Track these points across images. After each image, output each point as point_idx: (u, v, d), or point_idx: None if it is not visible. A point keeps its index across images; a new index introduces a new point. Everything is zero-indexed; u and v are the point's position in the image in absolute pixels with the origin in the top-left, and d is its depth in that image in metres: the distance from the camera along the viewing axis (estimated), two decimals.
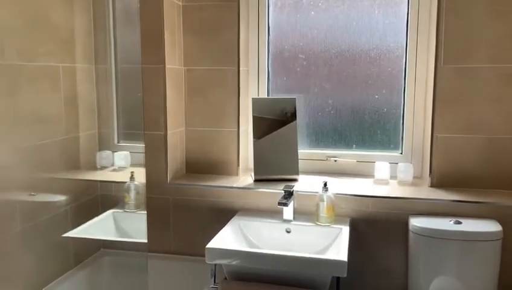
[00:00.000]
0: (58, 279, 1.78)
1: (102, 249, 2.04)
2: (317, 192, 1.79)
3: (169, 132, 1.96)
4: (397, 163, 1.97)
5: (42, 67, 1.68)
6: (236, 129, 2.02)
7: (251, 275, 1.55)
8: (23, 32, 1.58)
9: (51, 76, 1.74)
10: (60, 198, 1.89)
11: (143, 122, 1.92)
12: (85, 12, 2.01)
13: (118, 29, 2.14)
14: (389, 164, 1.96)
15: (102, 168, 2.17)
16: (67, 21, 1.88)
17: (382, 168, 1.95)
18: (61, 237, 1.81)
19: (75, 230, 1.83)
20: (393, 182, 1.95)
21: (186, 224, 1.98)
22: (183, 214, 1.98)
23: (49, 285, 1.73)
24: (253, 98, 2.02)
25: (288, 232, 1.77)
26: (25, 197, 1.69)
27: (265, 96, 2.13)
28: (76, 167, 2.04)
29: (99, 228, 1.96)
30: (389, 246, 1.80)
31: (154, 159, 1.96)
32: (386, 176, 1.95)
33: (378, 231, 1.80)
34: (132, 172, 2.01)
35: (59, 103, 1.81)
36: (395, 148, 2.06)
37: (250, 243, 1.74)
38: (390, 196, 1.77)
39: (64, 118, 1.84)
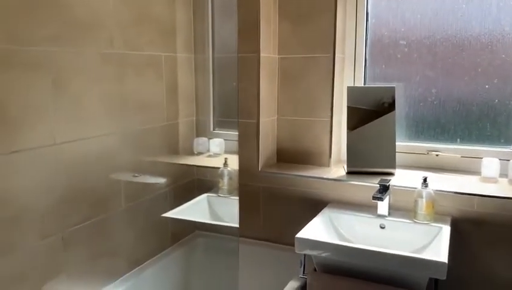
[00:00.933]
0: (157, 256, 1.90)
1: (197, 231, 2.13)
2: (415, 188, 1.69)
3: (261, 120, 1.97)
4: (508, 160, 1.78)
5: (146, 57, 1.78)
6: (329, 119, 1.98)
7: (342, 269, 1.52)
8: (128, 23, 1.69)
9: (154, 65, 1.84)
10: (160, 180, 2.01)
11: (237, 110, 1.95)
12: (186, 3, 2.09)
13: (215, 19, 2.20)
14: (498, 161, 1.78)
15: (199, 153, 2.26)
16: (170, 12, 1.97)
17: (491, 165, 1.77)
18: (160, 216, 1.93)
19: (173, 211, 1.93)
20: (504, 180, 1.76)
21: (275, 212, 2.00)
22: (273, 202, 1.99)
23: (148, 261, 1.85)
24: (348, 87, 1.95)
25: (382, 228, 1.69)
26: (129, 178, 1.81)
27: (362, 84, 2.05)
28: (175, 152, 2.14)
29: (195, 210, 2.05)
30: (496, 252, 1.63)
31: (246, 146, 2.00)
32: (495, 174, 1.77)
33: (484, 234, 1.64)
34: (226, 158, 2.06)
35: (161, 90, 1.90)
36: (506, 143, 1.86)
37: (341, 236, 1.70)
38: (500, 195, 1.60)
39: (166, 105, 1.94)
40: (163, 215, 1.90)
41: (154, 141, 1.94)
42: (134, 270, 1.79)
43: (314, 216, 1.72)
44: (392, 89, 1.91)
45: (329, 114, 1.97)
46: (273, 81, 2.03)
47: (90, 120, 1.54)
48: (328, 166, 2.00)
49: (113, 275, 1.71)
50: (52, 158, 1.40)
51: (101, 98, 1.57)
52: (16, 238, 1.30)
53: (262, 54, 1.91)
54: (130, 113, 1.72)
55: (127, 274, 1.75)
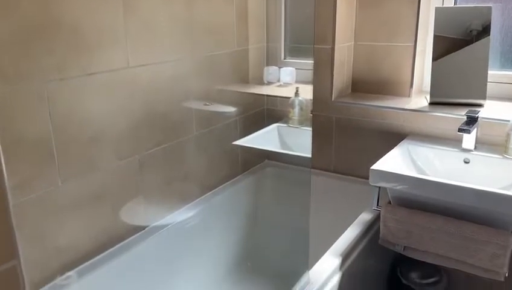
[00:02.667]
0: (227, 183, 1.93)
1: (267, 161, 2.13)
2: (508, 120, 1.52)
3: (336, 46, 1.84)
4: None
5: None
6: (412, 44, 1.80)
7: (418, 203, 1.43)
8: None
9: None
10: (230, 109, 1.99)
11: (313, 34, 1.84)
12: None
13: None
14: None
15: (269, 83, 2.19)
16: None
17: None
18: (231, 144, 1.93)
19: (243, 139, 1.92)
20: None
21: (349, 144, 1.92)
22: (347, 134, 1.91)
23: (219, 187, 1.88)
24: (437, 8, 1.74)
25: (466, 162, 1.56)
26: (200, 106, 1.81)
27: (452, 5, 1.82)
28: (245, 80, 2.09)
29: (265, 139, 2.03)
30: None
31: (320, 74, 1.89)
32: None
33: None
34: (297, 88, 1.98)
35: (231, 15, 1.83)
36: None
37: (419, 170, 1.59)
38: None
39: (236, 30, 1.86)
40: (234, 143, 1.89)
41: (224, 69, 1.89)
42: (206, 195, 1.84)
43: (391, 149, 1.63)
44: (488, 9, 1.67)
45: (413, 39, 1.79)
46: (351, 4, 1.87)
47: (160, 44, 1.52)
48: (409, 96, 1.85)
49: (186, 199, 1.76)
50: (126, 82, 1.41)
51: (170, 21, 1.53)
52: (94, 158, 1.35)
53: None
54: (200, 37, 1.68)
55: (199, 199, 1.80)
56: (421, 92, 1.93)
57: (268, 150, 1.98)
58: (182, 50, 1.62)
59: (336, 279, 1.33)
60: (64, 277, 1.34)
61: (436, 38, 1.73)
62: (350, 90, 1.99)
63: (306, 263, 1.26)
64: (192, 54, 1.67)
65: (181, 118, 1.68)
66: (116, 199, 1.45)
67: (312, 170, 1.98)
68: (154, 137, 1.55)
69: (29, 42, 1.13)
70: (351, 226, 1.54)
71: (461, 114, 1.58)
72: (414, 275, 1.75)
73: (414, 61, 1.81)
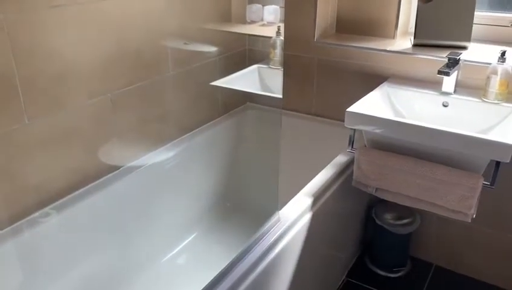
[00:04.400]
0: (207, 124, 1.90)
1: (248, 103, 2.10)
2: (490, 63, 1.48)
3: None
4: None
5: None
6: None
7: (394, 147, 1.43)
8: None
9: None
10: (210, 49, 1.93)
11: None
12: None
13: None
14: None
15: (252, 22, 2.11)
16: None
17: None
18: (210, 85, 1.88)
19: (222, 79, 1.88)
20: None
21: (329, 86, 1.88)
22: (328, 75, 1.87)
23: (198, 128, 1.86)
24: None
25: (445, 106, 1.54)
26: (178, 45, 1.75)
27: None
28: (227, 19, 2.02)
29: (245, 81, 1.98)
30: None
31: (300, 13, 1.82)
32: None
33: None
34: (279, 27, 1.91)
35: None
36: None
37: (397, 113, 1.58)
38: None
39: None
40: (213, 83, 1.85)
41: (204, 6, 1.81)
42: (185, 136, 1.82)
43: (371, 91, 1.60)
44: None
45: None
46: None
47: None
48: (393, 38, 1.80)
49: (164, 139, 1.74)
50: (95, 16, 1.35)
51: None
52: (63, 96, 1.32)
53: None
54: None
55: (177, 140, 1.78)
56: (406, 33, 1.87)
57: (245, 91, 1.94)
58: None
59: (306, 218, 1.35)
60: (42, 212, 1.34)
61: None
62: (334, 30, 1.93)
63: (276, 202, 1.27)
64: None
65: (157, 56, 1.63)
66: (88, 138, 1.43)
67: (292, 112, 1.96)
68: (127, 75, 1.51)
69: None
70: (325, 168, 1.54)
71: (443, 56, 1.54)
72: (388, 216, 1.78)
73: (400, 1, 1.74)
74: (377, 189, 1.47)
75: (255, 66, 1.97)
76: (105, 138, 1.50)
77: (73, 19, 1.29)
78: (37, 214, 1.32)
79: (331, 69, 1.85)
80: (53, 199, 1.37)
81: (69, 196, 1.40)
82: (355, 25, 1.87)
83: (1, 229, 1.24)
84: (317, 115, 1.94)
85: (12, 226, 1.26)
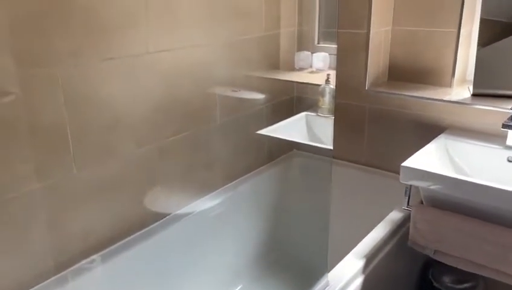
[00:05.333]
0: (252, 172, 1.86)
1: (294, 150, 2.05)
2: None
3: (373, 31, 1.72)
4: None
5: None
6: (455, 30, 1.65)
7: (454, 206, 1.32)
8: None
9: None
10: (258, 96, 1.91)
11: (338, 17, 1.72)
12: None
13: None
14: None
15: (300, 69, 2.09)
16: None
17: None
18: (256, 133, 1.86)
19: (270, 128, 1.84)
20: None
21: (381, 136, 1.80)
22: (380, 125, 1.79)
23: (243, 177, 1.83)
24: None
25: (510, 161, 1.42)
26: (226, 92, 1.75)
27: None
28: (275, 66, 2.01)
29: (292, 129, 1.94)
30: None
31: (351, 61, 1.78)
32: None
33: None
34: (328, 74, 1.88)
35: None
36: None
37: (457, 168, 1.47)
38: None
39: (264, 13, 1.77)
40: (260, 132, 1.82)
41: (252, 54, 1.81)
42: (230, 184, 1.78)
43: (427, 143, 1.51)
44: None
45: (457, 23, 1.63)
46: None
47: (183, 28, 1.45)
48: (450, 86, 1.71)
49: (209, 187, 1.71)
50: (146, 67, 1.37)
51: (194, 4, 1.47)
52: (112, 145, 1.32)
53: None
54: (226, 21, 1.60)
55: (223, 188, 1.75)
56: (464, 81, 1.78)
57: (293, 141, 1.89)
58: (207, 34, 1.55)
59: (357, 282, 1.25)
60: (89, 259, 1.34)
61: (483, 22, 1.57)
62: (387, 78, 1.87)
63: (325, 263, 1.19)
64: (217, 38, 1.60)
65: (205, 104, 1.62)
66: (135, 186, 1.42)
67: (341, 161, 1.88)
68: (175, 124, 1.51)
69: (42, 25, 1.09)
70: (378, 225, 1.44)
71: (507, 108, 1.44)
72: (447, 279, 1.63)
73: (457, 48, 1.66)
74: (435, 251, 1.35)
75: (302, 114, 1.93)
76: (152, 186, 1.49)
77: (125, 70, 1.31)
78: (83, 262, 1.31)
79: (383, 118, 1.77)
80: (99, 247, 1.35)
81: (115, 245, 1.38)
82: (409, 73, 1.80)
83: (48, 278, 1.23)
84: (369, 165, 1.85)
85: (58, 276, 1.25)
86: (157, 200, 1.53)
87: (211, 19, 1.54)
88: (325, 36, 2.11)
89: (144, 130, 1.41)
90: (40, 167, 1.16)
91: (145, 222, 1.48)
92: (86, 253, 1.32)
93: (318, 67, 2.04)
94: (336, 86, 1.82)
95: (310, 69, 2.09)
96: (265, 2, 1.75)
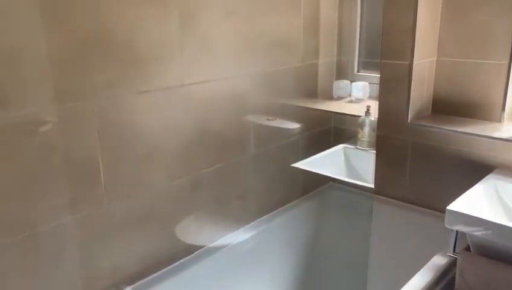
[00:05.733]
0: (287, 205, 1.81)
1: (331, 183, 1.97)
2: None
3: (416, 62, 1.64)
4: None
5: None
6: (506, 62, 1.55)
7: (506, 255, 1.20)
8: None
9: None
10: (294, 125, 1.87)
11: (381, 48, 1.66)
12: None
13: None
14: None
15: (339, 98, 2.04)
16: None
17: None
18: (291, 165, 1.80)
19: (306, 161, 1.79)
20: None
21: (425, 172, 1.70)
22: (424, 160, 1.69)
23: (277, 210, 1.77)
24: None
25: None
26: (261, 121, 1.71)
27: None
28: (312, 94, 1.97)
29: (329, 162, 1.87)
30: None
31: (393, 93, 1.70)
32: None
33: None
34: (368, 106, 1.81)
35: (298, 26, 1.70)
36: None
37: (508, 213, 1.35)
38: None
39: (303, 43, 1.74)
40: (295, 165, 1.77)
41: (289, 82, 1.78)
42: (264, 217, 1.74)
43: (475, 183, 1.40)
44: None
45: (508, 55, 1.53)
46: (435, 12, 1.65)
47: (218, 59, 1.44)
48: (500, 121, 1.60)
49: (243, 220, 1.67)
50: (180, 100, 1.35)
51: (230, 35, 1.45)
52: (144, 178, 1.31)
53: None
54: (262, 52, 1.58)
55: (256, 221, 1.71)
56: None
57: (330, 177, 1.82)
58: (243, 65, 1.53)
59: None
60: None
61: None
62: (430, 111, 1.77)
63: None
64: (253, 68, 1.58)
65: (239, 135, 1.60)
66: (166, 219, 1.40)
67: (380, 197, 1.79)
68: (208, 156, 1.48)
69: (79, 58, 1.10)
70: (420, 271, 1.34)
71: None
72: None
73: (508, 81, 1.56)
74: None
75: (340, 146, 1.86)
76: (184, 219, 1.47)
77: (159, 102, 1.30)
78: None
79: (427, 153, 1.68)
80: (129, 281, 1.34)
81: (146, 279, 1.36)
82: (454, 106, 1.70)
83: None
84: (411, 203, 1.75)
85: None
86: (189, 233, 1.50)
87: (247, 50, 1.53)
88: (365, 65, 2.06)
89: (177, 162, 1.39)
90: (72, 199, 1.15)
91: (177, 255, 1.45)
92: (116, 287, 1.30)
93: (357, 97, 1.98)
94: (377, 118, 1.74)
95: (348, 98, 2.03)
96: (304, 33, 1.72)
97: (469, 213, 1.21)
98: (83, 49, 1.10)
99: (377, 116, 1.80)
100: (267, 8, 1.56)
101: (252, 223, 1.69)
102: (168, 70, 1.30)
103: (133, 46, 1.20)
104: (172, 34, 1.28)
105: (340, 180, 1.78)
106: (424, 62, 1.68)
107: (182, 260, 1.46)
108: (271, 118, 1.78)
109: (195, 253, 1.49)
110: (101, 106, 1.16)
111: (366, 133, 1.80)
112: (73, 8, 1.06)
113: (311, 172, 1.81)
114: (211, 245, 1.55)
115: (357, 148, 1.81)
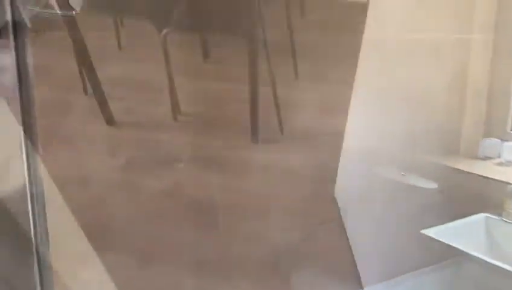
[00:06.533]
0: (410, 273, 1.63)
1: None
2: None
3: None
4: None
5: (427, 40, 1.48)
6: None
7: None
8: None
9: (436, 49, 1.51)
10: (429, 185, 1.70)
11: None
12: None
13: None
14: None
15: (486, 158, 1.81)
16: None
17: None
18: (421, 233, 1.64)
19: (437, 228, 1.60)
20: None
21: None
22: None
23: (399, 276, 1.62)
24: None
25: None
26: (393, 175, 1.61)
27: None
28: (454, 151, 1.79)
29: (466, 232, 1.65)
30: None
31: None
32: None
33: None
34: None
35: (442, 81, 1.56)
36: None
37: None
38: None
39: (447, 99, 1.59)
40: (424, 232, 1.60)
41: (429, 137, 1.64)
42: (385, 282, 1.60)
43: None
44: None
45: None
46: None
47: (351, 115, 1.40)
48: None
49: (363, 284, 1.57)
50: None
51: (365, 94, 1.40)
52: None
53: None
54: (396, 108, 1.49)
55: (377, 285, 1.59)
56: None
57: (464, 252, 1.59)
58: (374, 121, 1.46)
59: None
60: None
61: None
62: None
63: None
64: (387, 126, 1.49)
65: (369, 188, 1.52)
66: None
67: None
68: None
69: None
70: None
71: None
72: None
73: None
74: None
75: (482, 215, 1.64)
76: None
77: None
78: None
79: None
80: None
81: None
82: None
83: None
84: None
85: None
86: None
87: (381, 104, 1.45)
88: None
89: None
90: None
91: None
92: None
93: (508, 159, 1.74)
94: None
95: (497, 160, 1.80)
96: (449, 91, 1.58)
97: None
98: None
99: None
100: (405, 63, 1.47)
101: (371, 287, 1.58)
102: None
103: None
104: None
105: (476, 257, 1.55)
106: None
107: None
108: (403, 173, 1.66)
109: None
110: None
111: None
112: None
113: (442, 242, 1.61)
114: None
115: (503, 220, 1.58)
